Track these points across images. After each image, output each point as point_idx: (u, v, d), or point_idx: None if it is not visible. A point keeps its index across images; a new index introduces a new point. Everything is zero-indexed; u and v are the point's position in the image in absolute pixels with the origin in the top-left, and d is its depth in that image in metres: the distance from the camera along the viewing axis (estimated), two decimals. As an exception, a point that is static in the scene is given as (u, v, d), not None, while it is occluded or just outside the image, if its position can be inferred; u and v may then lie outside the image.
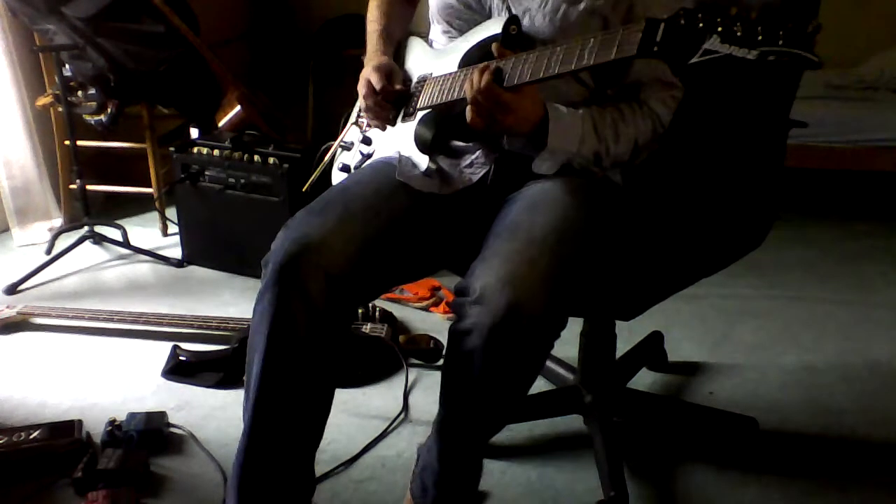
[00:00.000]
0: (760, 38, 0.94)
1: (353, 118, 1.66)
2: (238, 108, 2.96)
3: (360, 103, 1.54)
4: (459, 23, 1.46)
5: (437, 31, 1.53)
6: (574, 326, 1.66)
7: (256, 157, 2.60)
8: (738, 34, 0.95)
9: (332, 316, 1.29)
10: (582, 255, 1.27)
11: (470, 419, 1.33)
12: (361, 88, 1.49)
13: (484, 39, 1.38)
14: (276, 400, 1.30)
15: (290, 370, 1.29)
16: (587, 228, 1.31)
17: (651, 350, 2.07)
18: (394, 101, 1.49)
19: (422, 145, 1.43)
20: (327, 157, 1.65)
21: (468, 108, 1.28)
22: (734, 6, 0.97)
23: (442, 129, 1.42)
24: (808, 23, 0.93)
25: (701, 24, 0.98)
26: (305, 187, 1.64)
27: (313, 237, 1.26)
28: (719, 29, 0.97)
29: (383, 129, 1.54)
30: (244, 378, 1.33)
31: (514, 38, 1.34)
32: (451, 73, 1.40)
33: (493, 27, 1.37)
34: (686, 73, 1.04)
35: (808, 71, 1.03)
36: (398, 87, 1.49)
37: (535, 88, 1.27)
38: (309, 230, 1.28)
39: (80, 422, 1.77)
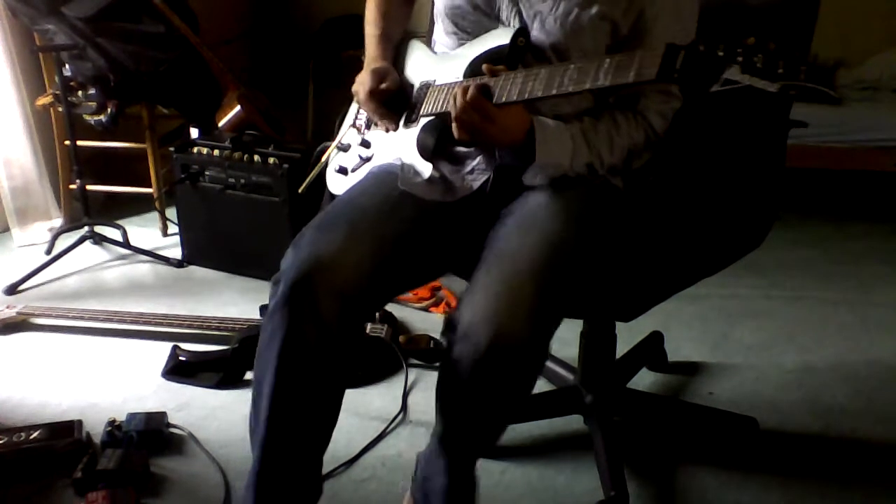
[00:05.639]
0: (781, 71, 0.94)
1: (349, 119, 1.65)
2: (238, 108, 2.95)
3: (355, 106, 1.53)
4: (465, 23, 1.44)
5: (440, 30, 1.51)
6: (574, 326, 1.66)
7: (256, 158, 2.60)
8: (759, 66, 0.95)
9: (344, 333, 1.28)
10: (570, 277, 1.27)
11: (467, 433, 1.35)
12: (361, 93, 1.49)
13: (492, 49, 1.37)
14: (289, 418, 1.29)
15: (303, 389, 1.29)
16: (578, 246, 1.30)
17: (651, 350, 2.07)
18: (395, 104, 1.48)
19: (424, 151, 1.42)
20: (323, 159, 1.64)
21: (453, 121, 1.29)
22: (752, 37, 0.96)
23: (444, 136, 1.41)
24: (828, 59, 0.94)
25: (721, 53, 0.98)
26: (301, 189, 1.64)
27: (324, 256, 1.25)
28: (739, 59, 0.96)
29: (387, 130, 1.53)
30: (252, 399, 1.32)
31: (522, 49, 1.34)
32: (455, 83, 1.39)
33: (502, 37, 1.36)
34: (706, 100, 1.04)
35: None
36: (387, 85, 1.47)
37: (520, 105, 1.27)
38: (319, 248, 1.26)
39: (79, 422, 1.77)
